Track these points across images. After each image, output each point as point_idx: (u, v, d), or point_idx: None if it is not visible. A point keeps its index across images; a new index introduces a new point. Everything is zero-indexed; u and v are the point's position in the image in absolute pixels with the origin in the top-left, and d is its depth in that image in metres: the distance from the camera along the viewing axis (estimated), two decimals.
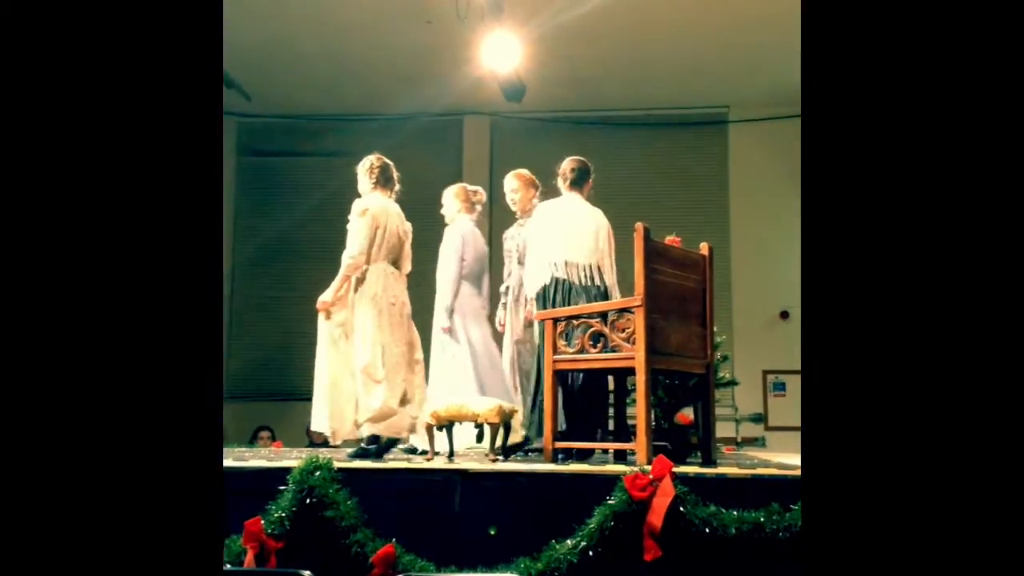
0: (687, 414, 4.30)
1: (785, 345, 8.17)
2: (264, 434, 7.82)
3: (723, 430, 7.34)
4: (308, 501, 3.13)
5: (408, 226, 4.49)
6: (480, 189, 5.36)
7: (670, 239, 4.24)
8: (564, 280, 4.32)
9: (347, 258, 4.22)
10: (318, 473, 3.18)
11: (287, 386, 8.46)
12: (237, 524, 3.08)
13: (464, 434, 4.23)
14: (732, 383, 5.04)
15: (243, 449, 5.59)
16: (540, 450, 4.32)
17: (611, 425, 4.35)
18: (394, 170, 4.52)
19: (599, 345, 3.71)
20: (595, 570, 2.93)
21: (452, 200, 5.21)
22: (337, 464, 3.29)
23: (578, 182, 4.53)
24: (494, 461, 3.74)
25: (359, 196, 4.44)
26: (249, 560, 3.02)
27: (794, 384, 8.43)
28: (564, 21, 6.86)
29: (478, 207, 5.29)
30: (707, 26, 7.36)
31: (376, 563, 3.00)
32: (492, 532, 3.11)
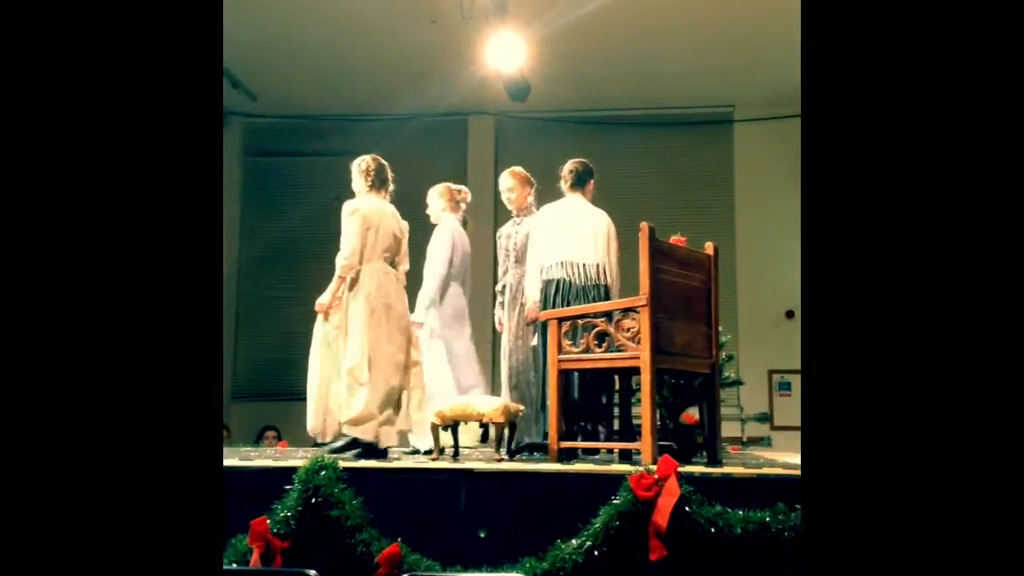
0: (692, 414, 4.30)
1: (791, 345, 8.14)
2: (270, 434, 7.83)
3: (729, 430, 7.35)
4: (313, 501, 3.14)
5: (404, 225, 4.49)
6: (464, 188, 5.38)
7: (675, 238, 4.24)
8: (564, 280, 4.34)
9: (340, 260, 4.24)
10: (323, 473, 3.18)
11: (293, 386, 8.43)
12: (243, 524, 3.09)
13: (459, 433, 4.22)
14: (737, 383, 5.04)
15: (249, 449, 5.60)
16: (536, 447, 4.34)
17: (616, 425, 4.35)
18: (389, 171, 4.53)
19: (604, 345, 3.70)
20: (600, 570, 2.93)
21: (437, 199, 5.24)
22: (342, 464, 3.29)
23: (579, 183, 4.57)
24: (499, 460, 3.74)
25: (353, 196, 4.46)
26: (255, 559, 3.03)
27: (800, 384, 8.41)
28: (569, 21, 6.86)
29: (463, 205, 5.32)
30: (712, 25, 7.35)
31: (381, 562, 3.00)
32: (482, 535, 3.10)
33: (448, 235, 5.04)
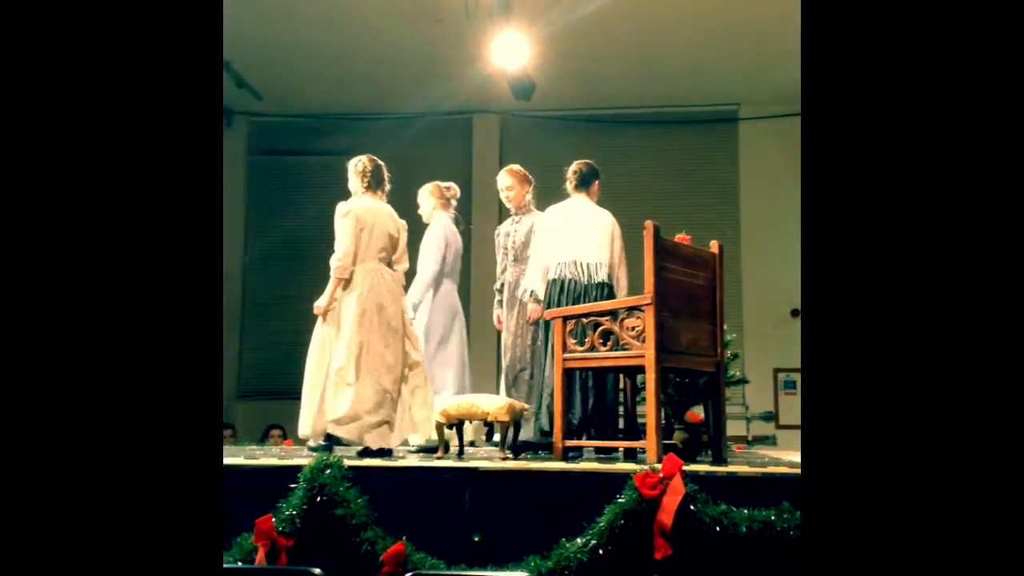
0: (697, 412, 4.29)
1: (796, 343, 8.06)
2: (275, 432, 7.85)
3: (734, 428, 7.33)
4: (319, 499, 3.14)
5: (402, 224, 4.50)
6: (453, 185, 5.38)
7: (680, 237, 4.24)
8: (570, 280, 4.35)
9: (334, 261, 4.25)
10: (328, 471, 3.19)
11: (298, 385, 8.42)
12: (248, 522, 3.09)
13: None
14: (743, 381, 5.04)
15: (254, 447, 5.61)
16: (531, 446, 4.36)
17: (621, 423, 4.35)
18: (385, 171, 4.54)
19: (609, 343, 3.70)
20: (605, 568, 2.93)
21: (427, 198, 5.25)
22: (347, 462, 3.30)
23: (584, 184, 4.60)
24: (504, 459, 3.74)
25: (348, 195, 4.47)
26: (260, 558, 3.03)
27: None
28: (573, 19, 6.85)
29: (453, 202, 5.33)
30: (717, 23, 7.33)
31: (386, 561, 3.00)
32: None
33: (440, 232, 5.06)
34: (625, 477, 3.05)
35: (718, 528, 2.94)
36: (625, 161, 8.68)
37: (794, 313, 8.52)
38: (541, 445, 4.37)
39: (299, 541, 3.09)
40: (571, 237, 4.46)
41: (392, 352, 4.19)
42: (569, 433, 3.91)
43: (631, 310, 3.66)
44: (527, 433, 4.45)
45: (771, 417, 8.45)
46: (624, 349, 3.65)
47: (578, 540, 2.97)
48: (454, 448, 4.13)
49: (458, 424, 4.08)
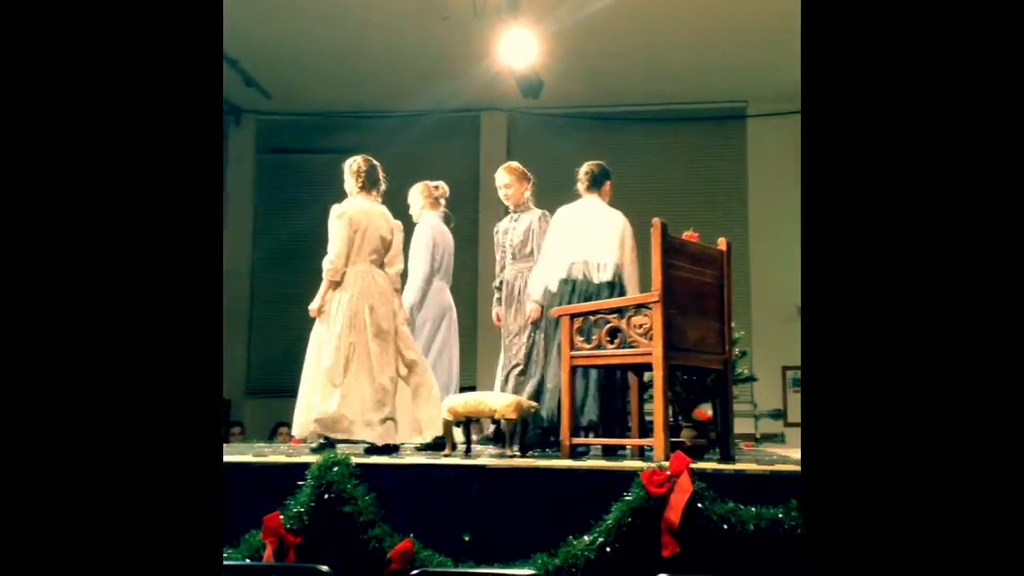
0: (705, 410, 4.29)
1: None
2: (284, 430, 7.85)
3: (742, 426, 7.33)
4: (326, 496, 3.15)
5: (396, 224, 4.52)
6: (441, 184, 5.38)
7: (687, 235, 4.23)
8: (580, 281, 4.38)
9: (326, 263, 4.29)
10: (336, 469, 3.20)
11: None
12: (256, 519, 3.10)
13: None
14: (751, 379, 5.03)
15: (263, 445, 5.63)
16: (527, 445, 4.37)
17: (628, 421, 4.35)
18: (381, 171, 4.56)
19: (616, 341, 3.70)
20: (612, 566, 2.93)
21: (416, 198, 5.27)
22: (355, 460, 3.31)
23: (596, 184, 4.63)
24: (511, 457, 3.75)
25: (344, 195, 4.50)
26: (268, 555, 3.04)
27: None
28: (580, 17, 6.84)
29: (442, 201, 5.34)
30: (725, 20, 7.32)
31: (394, 558, 3.01)
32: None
33: (428, 232, 5.08)
34: (632, 475, 3.05)
35: (726, 526, 2.93)
36: (633, 159, 8.67)
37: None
38: (539, 443, 4.39)
39: (307, 538, 3.11)
40: (582, 237, 4.49)
41: (384, 352, 4.22)
42: (576, 431, 3.91)
43: (639, 308, 3.65)
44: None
45: (779, 415, 8.44)
46: (631, 347, 3.65)
47: (585, 538, 2.97)
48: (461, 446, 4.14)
49: (465, 422, 4.09)
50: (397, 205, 4.81)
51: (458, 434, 4.12)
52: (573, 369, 3.84)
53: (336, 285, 4.26)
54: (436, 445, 4.37)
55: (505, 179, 5.03)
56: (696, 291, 3.78)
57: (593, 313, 3.85)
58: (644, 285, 4.32)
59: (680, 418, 4.30)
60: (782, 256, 8.46)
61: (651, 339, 3.56)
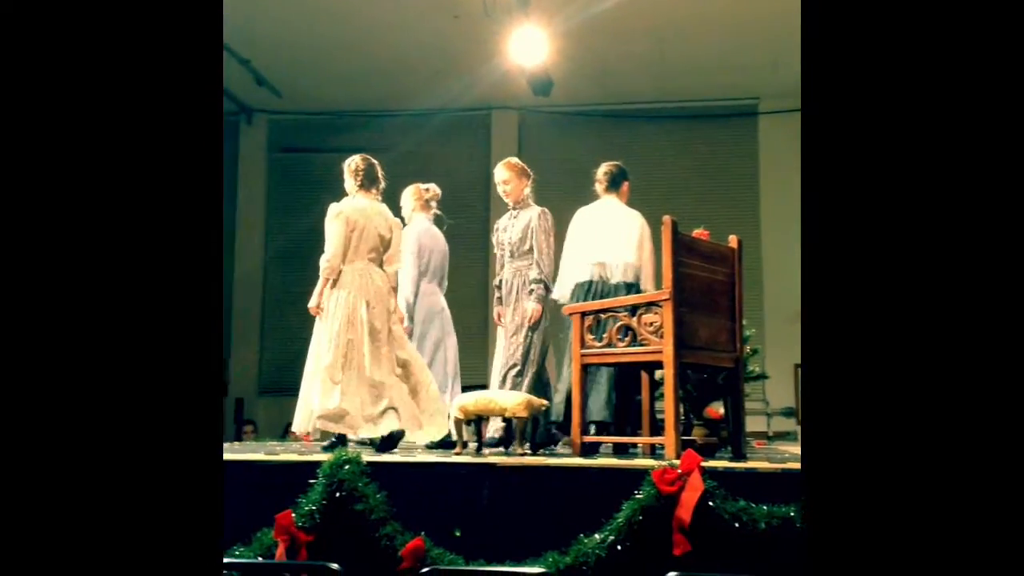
0: (717, 408, 4.27)
1: None
2: None
3: (755, 424, 7.30)
4: (338, 495, 3.16)
5: (395, 223, 4.55)
6: (432, 186, 5.38)
7: (697, 232, 4.22)
8: (597, 281, 4.42)
9: (322, 262, 4.34)
10: (348, 467, 3.20)
11: None
12: (268, 517, 3.12)
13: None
14: (763, 377, 5.01)
15: (275, 443, 5.65)
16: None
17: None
18: (379, 169, 4.58)
19: (627, 339, 3.69)
20: (623, 564, 2.92)
21: (408, 200, 5.30)
22: (366, 458, 3.31)
23: (614, 185, 4.68)
24: (522, 455, 3.75)
25: (345, 194, 4.53)
26: (280, 553, 3.05)
27: None
28: (591, 14, 6.83)
29: (433, 204, 5.33)
30: (736, 17, 7.29)
31: (405, 556, 3.01)
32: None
33: (413, 236, 5.10)
34: (643, 473, 3.04)
35: (737, 524, 2.92)
36: (644, 156, 8.65)
37: None
38: (548, 441, 4.40)
39: (319, 536, 3.11)
40: (600, 238, 4.54)
41: (378, 351, 4.26)
42: (586, 429, 3.91)
43: (649, 305, 3.64)
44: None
45: (792, 413, 8.40)
46: (642, 345, 3.64)
47: (596, 536, 2.97)
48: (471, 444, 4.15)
49: (476, 420, 4.09)
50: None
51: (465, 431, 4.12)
52: (583, 367, 3.83)
53: (334, 283, 4.31)
54: (446, 444, 4.39)
55: (504, 175, 4.94)
56: (707, 289, 3.77)
57: (604, 311, 3.84)
58: (658, 284, 4.34)
59: (691, 416, 4.29)
60: (794, 253, 8.40)
61: (662, 337, 3.55)
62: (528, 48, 6.82)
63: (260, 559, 3.07)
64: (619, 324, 3.73)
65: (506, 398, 3.97)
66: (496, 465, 3.36)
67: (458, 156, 8.81)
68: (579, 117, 9.05)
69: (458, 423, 4.02)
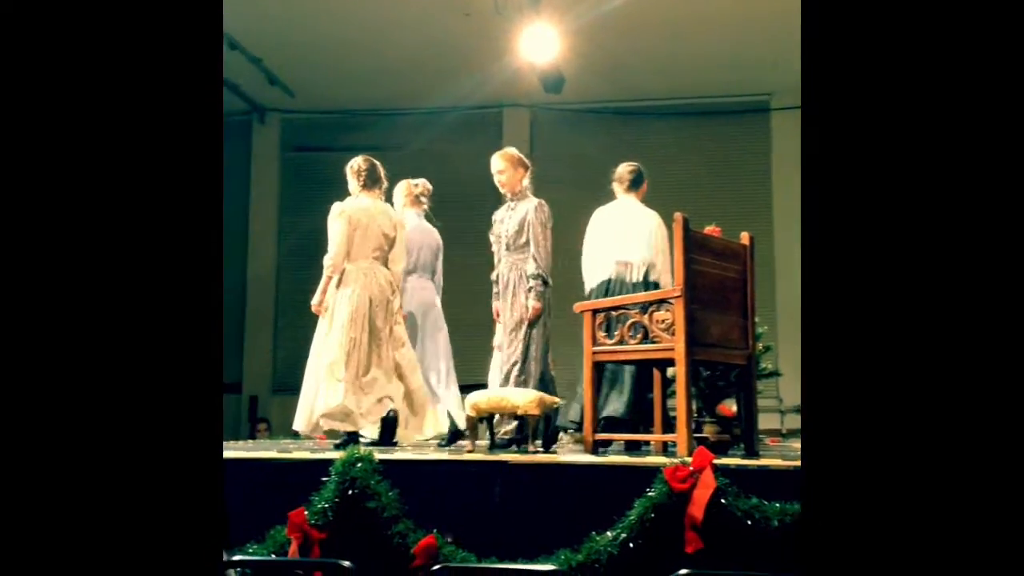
0: (729, 406, 4.26)
1: None
2: None
3: (768, 422, 7.26)
4: (350, 492, 3.17)
5: (398, 221, 4.59)
6: (421, 181, 5.36)
7: (709, 229, 4.20)
8: (615, 281, 4.48)
9: (326, 260, 4.39)
10: (360, 464, 3.22)
11: None
12: (281, 515, 3.13)
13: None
14: (776, 374, 4.99)
15: (288, 441, 5.68)
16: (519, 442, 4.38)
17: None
18: (381, 169, 4.62)
19: (639, 336, 3.69)
20: (635, 562, 2.92)
21: (398, 196, 5.28)
22: (378, 456, 3.32)
23: (634, 185, 4.76)
24: (534, 453, 3.75)
25: (348, 195, 4.58)
26: (293, 550, 3.07)
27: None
28: (602, 11, 6.82)
29: (423, 199, 5.32)
30: (747, 13, 7.26)
31: (417, 554, 3.02)
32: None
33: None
34: (655, 470, 3.04)
35: (749, 522, 2.91)
36: (656, 153, 8.61)
37: None
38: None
39: (331, 534, 3.13)
40: (618, 238, 4.60)
41: (377, 349, 4.30)
42: (596, 427, 3.91)
43: (661, 303, 3.64)
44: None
45: None
46: (654, 342, 3.63)
47: (608, 533, 2.97)
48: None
49: (488, 418, 4.10)
50: None
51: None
52: (594, 365, 3.83)
53: (339, 281, 4.35)
54: (454, 437, 4.44)
55: (499, 165, 4.74)
56: (719, 286, 3.76)
57: (615, 308, 3.84)
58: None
59: (704, 414, 4.27)
60: None
61: (673, 334, 3.54)
62: (539, 45, 6.81)
63: (273, 556, 3.09)
64: (631, 322, 3.72)
65: (519, 396, 3.97)
66: (508, 463, 3.36)
67: (470, 154, 8.78)
68: (590, 114, 9.03)
69: (470, 420, 4.03)
